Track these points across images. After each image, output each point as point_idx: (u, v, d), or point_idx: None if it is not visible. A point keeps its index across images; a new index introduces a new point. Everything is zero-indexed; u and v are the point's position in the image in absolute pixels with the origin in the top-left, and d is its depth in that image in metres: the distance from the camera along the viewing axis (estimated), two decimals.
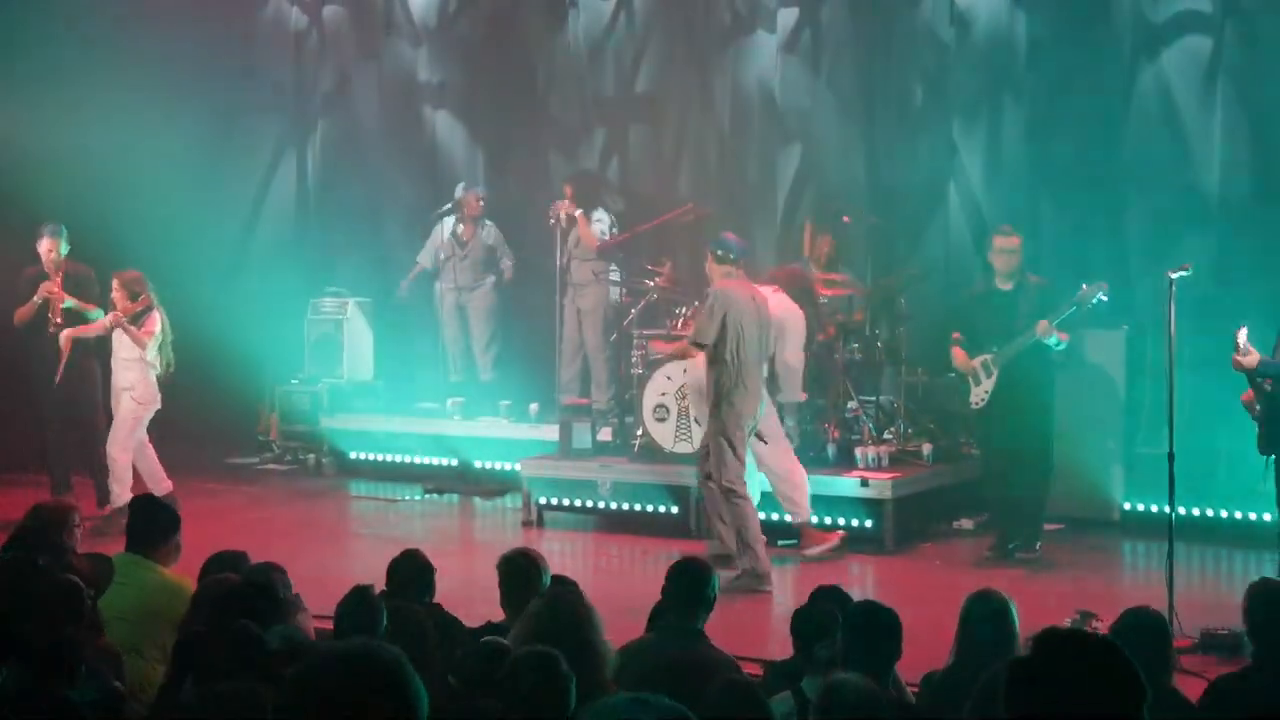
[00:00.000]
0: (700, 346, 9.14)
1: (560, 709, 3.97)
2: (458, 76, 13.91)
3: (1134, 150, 11.17)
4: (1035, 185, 11.54)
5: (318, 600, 6.52)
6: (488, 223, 12.87)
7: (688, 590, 5.71)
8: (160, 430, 11.03)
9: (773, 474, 9.67)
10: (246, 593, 5.35)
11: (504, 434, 12.41)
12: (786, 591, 8.94)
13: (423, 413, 13.20)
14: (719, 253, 9.37)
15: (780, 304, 9.86)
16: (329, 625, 6.34)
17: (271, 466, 13.37)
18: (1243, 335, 8.22)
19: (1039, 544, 9.75)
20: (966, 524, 10.64)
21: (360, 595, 5.58)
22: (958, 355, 9.78)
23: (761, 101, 12.60)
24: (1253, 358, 8.14)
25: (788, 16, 12.42)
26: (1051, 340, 9.44)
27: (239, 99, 14.18)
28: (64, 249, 10.91)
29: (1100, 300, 9.34)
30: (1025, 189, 11.56)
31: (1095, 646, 2.82)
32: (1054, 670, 2.77)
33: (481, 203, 12.78)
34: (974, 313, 9.87)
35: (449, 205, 12.85)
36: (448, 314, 12.95)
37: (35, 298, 10.82)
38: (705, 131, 12.86)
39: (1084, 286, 9.37)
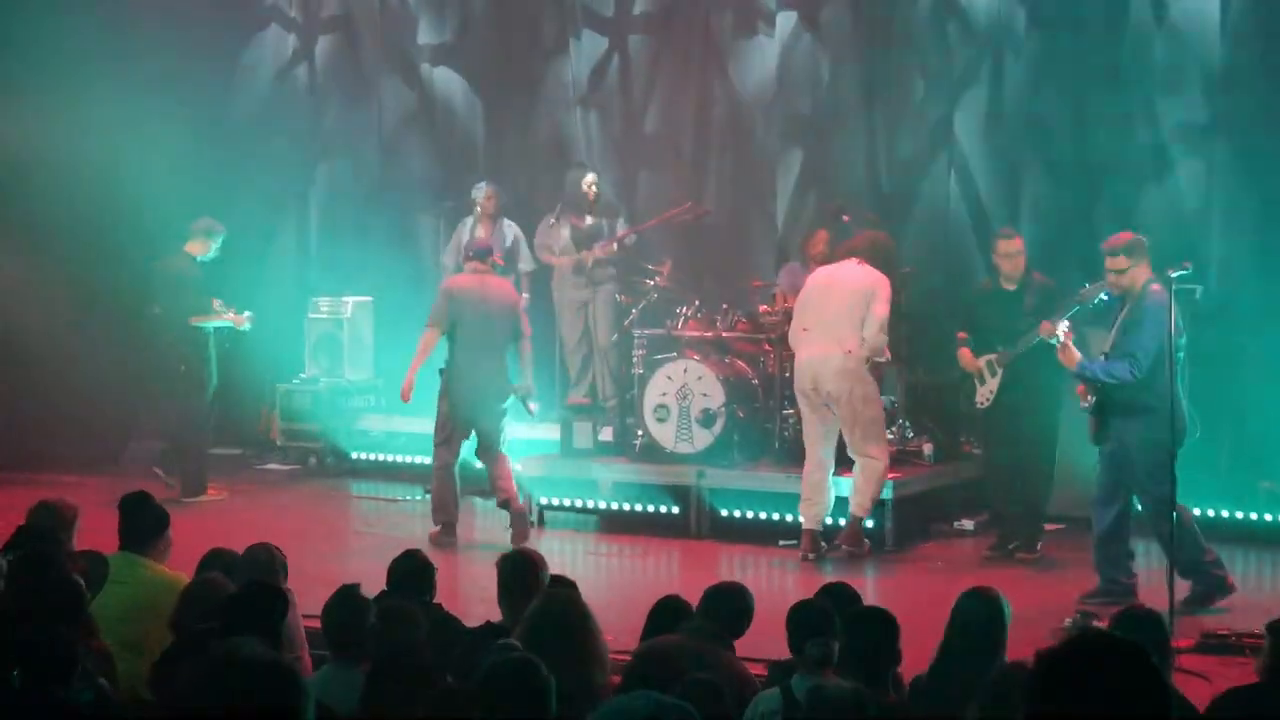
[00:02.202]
0: (430, 328, 10.24)
1: (540, 714, 3.95)
2: (463, 73, 13.89)
3: (1134, 144, 11.16)
4: (1036, 180, 11.51)
5: (318, 600, 6.52)
6: (507, 221, 12.59)
7: (726, 616, 5.70)
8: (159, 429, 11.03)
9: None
10: (252, 594, 5.35)
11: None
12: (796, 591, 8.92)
13: (423, 412, 13.14)
14: (473, 253, 10.47)
15: (864, 275, 9.75)
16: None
17: (272, 466, 13.37)
18: (1062, 328, 8.68)
19: (1039, 544, 9.74)
20: (967, 524, 10.64)
21: (345, 595, 5.58)
22: (964, 355, 9.77)
23: (762, 102, 12.59)
24: (1074, 354, 8.57)
25: (787, 20, 12.42)
26: (1055, 340, 9.41)
27: (244, 107, 14.16)
28: None
29: (1103, 299, 9.30)
30: (1026, 184, 11.54)
31: (1128, 652, 2.79)
32: (1085, 672, 2.75)
33: (493, 200, 12.41)
34: (979, 312, 9.87)
35: (448, 205, 12.79)
36: None
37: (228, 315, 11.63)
38: (707, 133, 12.85)
39: (1086, 285, 9.32)
